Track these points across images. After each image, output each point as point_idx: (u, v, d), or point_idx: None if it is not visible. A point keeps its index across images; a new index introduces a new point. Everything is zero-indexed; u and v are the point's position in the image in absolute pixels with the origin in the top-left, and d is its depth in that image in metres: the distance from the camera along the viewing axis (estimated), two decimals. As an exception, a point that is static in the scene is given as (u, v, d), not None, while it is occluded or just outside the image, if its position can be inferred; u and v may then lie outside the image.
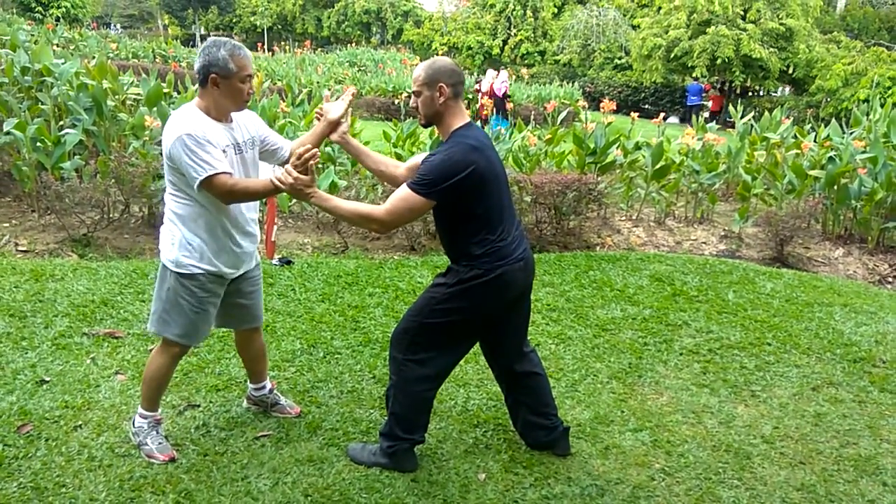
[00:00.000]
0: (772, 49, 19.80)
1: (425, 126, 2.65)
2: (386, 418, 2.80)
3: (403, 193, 2.44)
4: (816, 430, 3.28)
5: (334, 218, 5.64)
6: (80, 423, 2.94)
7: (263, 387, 3.11)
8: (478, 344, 2.87)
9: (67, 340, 3.66)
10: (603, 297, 4.90)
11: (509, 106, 14.18)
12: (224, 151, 2.50)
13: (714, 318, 4.61)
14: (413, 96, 2.57)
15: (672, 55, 20.69)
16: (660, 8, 22.99)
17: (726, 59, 19.28)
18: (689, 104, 21.08)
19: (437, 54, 33.90)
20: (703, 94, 21.55)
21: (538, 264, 5.50)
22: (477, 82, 16.31)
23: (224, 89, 2.47)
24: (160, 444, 2.74)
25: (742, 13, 20.31)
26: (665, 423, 3.28)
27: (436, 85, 2.48)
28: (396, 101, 16.06)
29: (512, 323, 2.79)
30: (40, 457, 2.69)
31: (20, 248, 5.12)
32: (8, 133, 5.51)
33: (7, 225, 5.50)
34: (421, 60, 27.90)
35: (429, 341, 2.66)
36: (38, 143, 5.50)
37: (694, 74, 20.20)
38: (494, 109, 13.17)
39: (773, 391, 3.67)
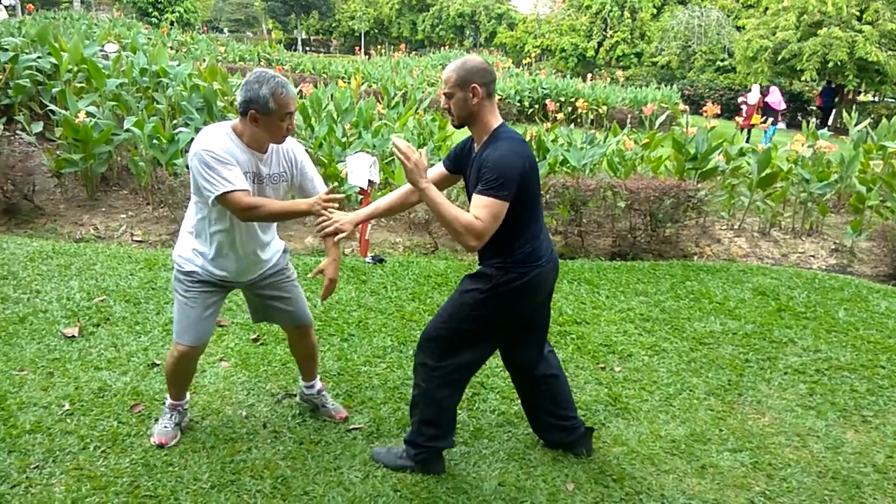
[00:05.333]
0: (891, 52, 18.47)
1: (458, 127, 2.53)
2: (411, 426, 2.76)
3: (483, 202, 2.30)
4: (938, 464, 3.03)
5: (426, 218, 5.70)
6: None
7: (312, 386, 3.12)
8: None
9: (176, 327, 3.87)
10: (701, 308, 4.72)
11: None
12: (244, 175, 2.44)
13: (823, 337, 4.35)
14: (444, 98, 2.44)
15: (780, 58, 19.70)
16: (767, 8, 21.94)
17: (839, 63, 18.15)
18: (823, 107, 20.11)
19: (530, 56, 33.76)
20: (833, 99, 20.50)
21: (631, 272, 5.37)
22: (742, 95, 16.71)
23: (263, 125, 2.40)
24: (164, 427, 2.82)
25: (858, 14, 19.05)
26: (767, 444, 3.12)
27: (468, 86, 2.38)
28: None
29: (536, 324, 2.75)
30: (150, 436, 2.84)
31: (135, 238, 5.47)
32: (127, 130, 5.90)
33: (124, 216, 5.89)
34: (513, 62, 27.85)
35: (460, 347, 2.61)
36: (154, 140, 5.86)
37: (803, 78, 19.10)
38: (771, 121, 13.42)
39: (887, 417, 3.42)
